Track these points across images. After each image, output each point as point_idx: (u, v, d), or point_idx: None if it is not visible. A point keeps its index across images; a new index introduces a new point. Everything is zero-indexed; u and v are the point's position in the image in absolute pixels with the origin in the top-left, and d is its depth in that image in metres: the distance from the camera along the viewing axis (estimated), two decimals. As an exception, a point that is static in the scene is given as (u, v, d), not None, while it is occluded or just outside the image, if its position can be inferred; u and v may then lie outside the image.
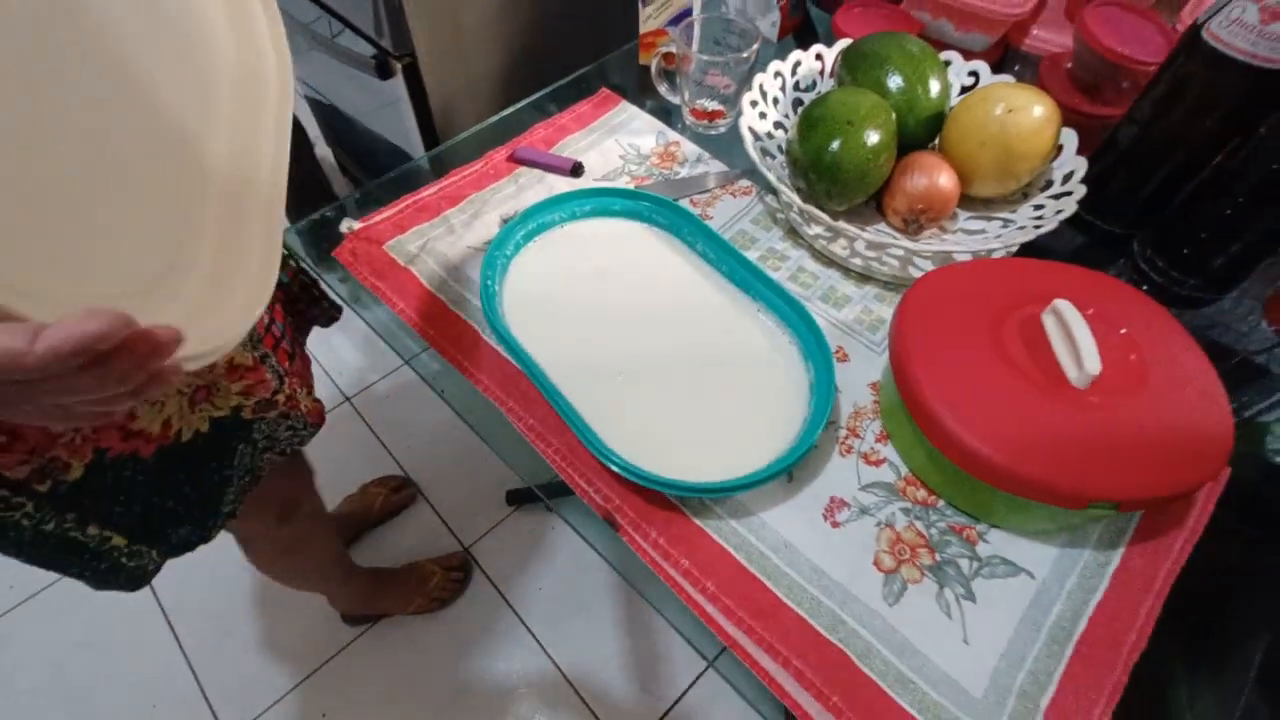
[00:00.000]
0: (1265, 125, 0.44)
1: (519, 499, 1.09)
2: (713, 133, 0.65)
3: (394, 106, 0.89)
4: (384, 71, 0.82)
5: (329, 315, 0.63)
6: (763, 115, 0.58)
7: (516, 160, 0.61)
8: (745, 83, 0.59)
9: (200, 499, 0.47)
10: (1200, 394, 0.37)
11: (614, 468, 0.40)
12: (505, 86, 0.94)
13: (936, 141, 0.54)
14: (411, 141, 0.93)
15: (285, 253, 0.53)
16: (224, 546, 0.57)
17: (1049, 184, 0.53)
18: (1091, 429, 0.36)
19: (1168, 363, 0.39)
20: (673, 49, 0.61)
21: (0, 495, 0.38)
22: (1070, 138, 0.52)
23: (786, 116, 0.60)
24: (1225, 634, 0.41)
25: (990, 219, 0.54)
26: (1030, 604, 0.38)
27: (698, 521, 0.41)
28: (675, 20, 0.67)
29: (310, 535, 0.73)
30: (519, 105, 0.68)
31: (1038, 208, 0.52)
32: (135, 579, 0.48)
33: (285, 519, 0.64)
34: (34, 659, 0.95)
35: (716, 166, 0.61)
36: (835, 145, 0.48)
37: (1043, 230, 0.48)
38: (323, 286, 0.59)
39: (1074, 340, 0.37)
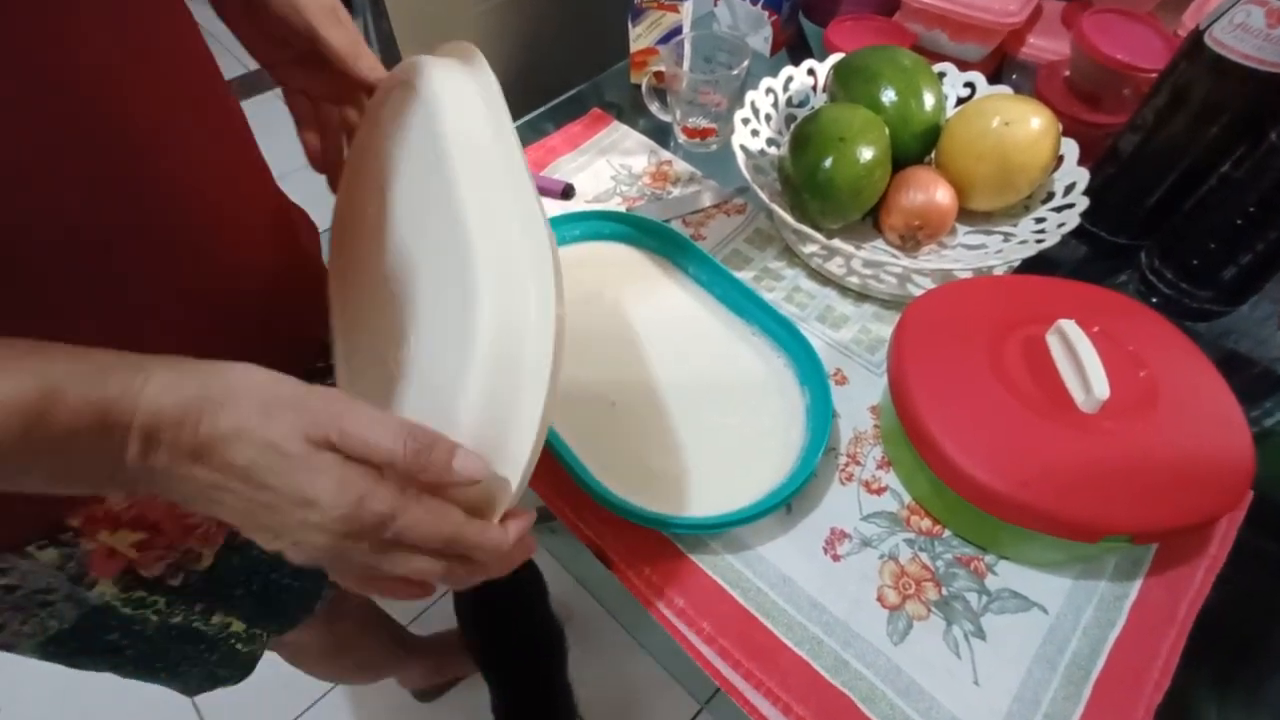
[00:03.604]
0: (1276, 131, 0.43)
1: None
2: (705, 151, 0.64)
3: (388, 131, 0.89)
4: (376, 97, 0.82)
5: None
6: (755, 133, 0.57)
7: (506, 184, 0.60)
8: (737, 100, 0.58)
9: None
10: (1216, 417, 0.35)
11: (604, 505, 0.38)
12: (499, 107, 0.94)
13: (932, 156, 0.53)
14: (406, 165, 0.93)
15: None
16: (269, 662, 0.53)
17: (1050, 196, 0.51)
18: (1102, 456, 0.34)
19: (1180, 383, 0.37)
20: (663, 67, 0.60)
21: (136, 597, 0.37)
22: (1071, 148, 0.50)
23: (780, 133, 0.59)
24: (1259, 661, 0.38)
25: (990, 233, 0.52)
26: (1044, 640, 0.36)
27: (693, 557, 0.39)
28: (666, 38, 0.66)
29: (361, 627, 0.70)
30: (513, 125, 0.67)
31: (1039, 220, 0.50)
32: (245, 665, 0.47)
33: (334, 617, 0.61)
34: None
35: (710, 185, 0.60)
36: (827, 163, 0.47)
37: (1044, 245, 0.46)
38: None
39: (1080, 362, 0.36)
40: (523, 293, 0.25)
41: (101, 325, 0.30)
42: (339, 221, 0.41)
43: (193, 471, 0.22)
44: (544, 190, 0.59)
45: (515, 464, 0.25)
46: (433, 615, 1.02)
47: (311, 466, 0.22)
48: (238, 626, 0.44)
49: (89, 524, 0.34)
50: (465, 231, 0.27)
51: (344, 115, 0.41)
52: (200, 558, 0.39)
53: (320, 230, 0.50)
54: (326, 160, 0.41)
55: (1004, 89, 0.53)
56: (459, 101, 0.32)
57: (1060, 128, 0.49)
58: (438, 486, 0.24)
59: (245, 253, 0.36)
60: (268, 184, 0.40)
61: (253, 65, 0.39)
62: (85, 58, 0.25)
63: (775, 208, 0.49)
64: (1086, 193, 0.48)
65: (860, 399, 0.46)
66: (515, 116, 0.67)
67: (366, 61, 0.36)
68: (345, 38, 0.36)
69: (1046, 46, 0.64)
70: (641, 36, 0.66)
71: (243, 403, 0.22)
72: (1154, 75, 0.49)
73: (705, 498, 0.40)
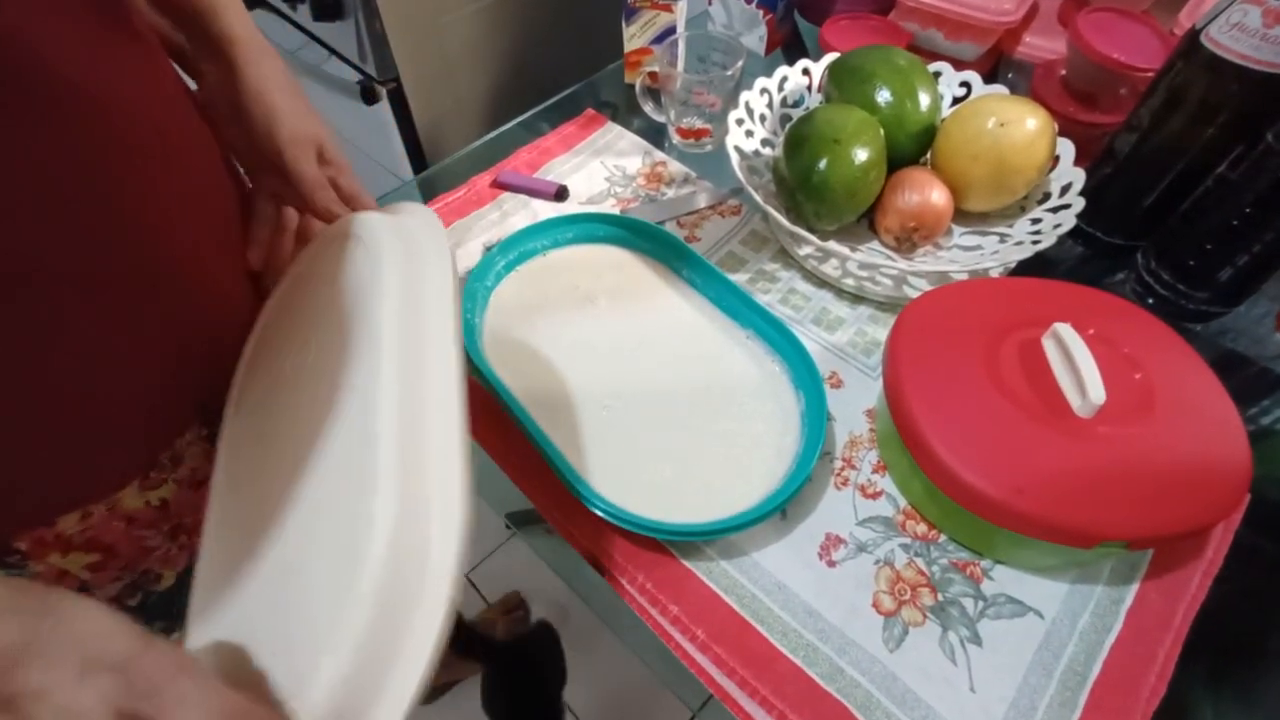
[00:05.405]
0: (1272, 132, 0.42)
1: (519, 521, 1.07)
2: (700, 151, 0.63)
3: (380, 131, 0.88)
4: (368, 97, 0.82)
5: None
6: (749, 133, 0.56)
7: (500, 185, 0.60)
8: (732, 100, 0.58)
9: None
10: (1212, 421, 0.35)
11: (598, 511, 0.38)
12: (494, 107, 0.93)
13: (928, 156, 0.53)
14: (399, 165, 0.92)
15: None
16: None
17: (1046, 196, 0.51)
18: (1098, 462, 0.34)
19: (1176, 387, 0.37)
20: (657, 67, 0.60)
21: None
22: (1067, 148, 0.50)
23: (774, 134, 0.58)
24: (1254, 660, 0.38)
25: (986, 234, 0.52)
26: (1040, 646, 0.36)
27: (687, 564, 0.39)
28: (660, 38, 0.66)
29: None
30: (508, 126, 0.66)
31: (1035, 221, 0.50)
32: None
33: None
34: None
35: (705, 186, 0.60)
36: (822, 164, 0.47)
37: (1040, 246, 0.46)
38: None
39: (1076, 366, 0.35)
40: (423, 544, 0.23)
41: (71, 357, 0.29)
42: (259, 344, 0.39)
43: None
44: (537, 192, 0.58)
45: None
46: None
47: None
48: None
49: (37, 547, 0.33)
50: (375, 445, 0.25)
51: (305, 224, 0.42)
52: (160, 579, 0.38)
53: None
54: (271, 261, 0.41)
55: (1000, 89, 0.53)
56: (403, 277, 0.31)
57: (1056, 128, 0.48)
58: None
59: (214, 288, 0.36)
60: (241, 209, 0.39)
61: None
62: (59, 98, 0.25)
63: (770, 210, 0.49)
64: (1083, 193, 0.48)
65: (855, 403, 0.45)
66: (508, 117, 0.67)
67: (323, 197, 0.37)
68: (311, 171, 0.37)
69: (1043, 45, 0.63)
70: (635, 36, 0.66)
71: (63, 656, 0.21)
72: (1150, 75, 0.49)
73: (699, 503, 0.39)
